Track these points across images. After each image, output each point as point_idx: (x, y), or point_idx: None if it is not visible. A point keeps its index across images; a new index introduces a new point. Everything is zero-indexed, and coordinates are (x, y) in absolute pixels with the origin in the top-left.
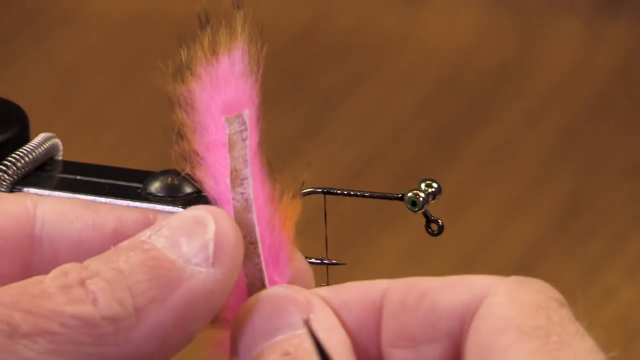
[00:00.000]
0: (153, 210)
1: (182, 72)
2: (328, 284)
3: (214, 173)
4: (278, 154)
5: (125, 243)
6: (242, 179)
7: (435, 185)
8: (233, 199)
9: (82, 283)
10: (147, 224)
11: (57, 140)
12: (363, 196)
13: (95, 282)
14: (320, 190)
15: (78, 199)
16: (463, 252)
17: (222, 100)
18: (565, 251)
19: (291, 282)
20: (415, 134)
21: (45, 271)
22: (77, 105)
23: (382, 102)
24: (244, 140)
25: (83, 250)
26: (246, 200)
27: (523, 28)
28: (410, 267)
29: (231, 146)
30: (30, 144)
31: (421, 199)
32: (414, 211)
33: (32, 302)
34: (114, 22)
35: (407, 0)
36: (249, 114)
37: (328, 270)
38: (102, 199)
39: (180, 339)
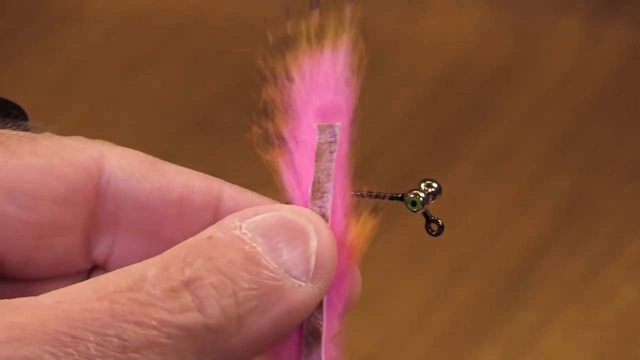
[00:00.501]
0: (217, 180)
1: (281, 49)
2: None
3: (299, 172)
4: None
5: (219, 234)
6: (322, 192)
7: (435, 185)
8: (311, 209)
9: (187, 285)
10: (213, 195)
11: None
12: (363, 196)
13: (203, 288)
14: None
15: (145, 154)
16: (463, 252)
17: (319, 104)
18: (565, 251)
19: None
20: (415, 134)
21: (105, 224)
22: (77, 104)
23: (381, 101)
24: (331, 152)
25: (146, 211)
26: (323, 215)
27: (523, 28)
28: (410, 267)
29: (318, 156)
30: None
31: (421, 199)
32: (414, 211)
33: (141, 312)
34: (114, 21)
35: (406, 0)
36: (340, 126)
37: None
38: None
39: (267, 348)
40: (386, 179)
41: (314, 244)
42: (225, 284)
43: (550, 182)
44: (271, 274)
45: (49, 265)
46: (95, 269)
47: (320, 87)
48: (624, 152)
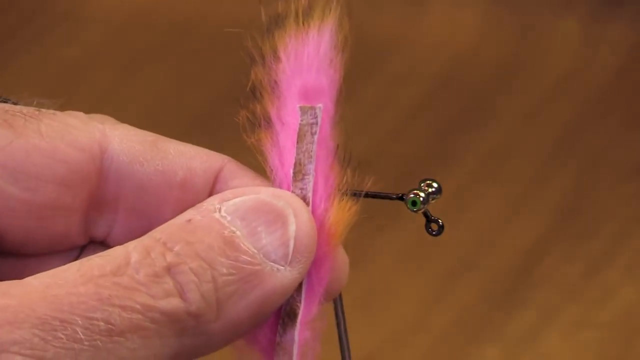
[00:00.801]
0: (221, 156)
1: (271, 29)
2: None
3: (282, 153)
4: None
5: (198, 217)
6: (304, 174)
7: (435, 185)
8: (292, 191)
9: (169, 271)
10: (214, 175)
11: None
12: (363, 196)
13: (183, 273)
14: None
15: (146, 133)
16: (463, 252)
17: (302, 85)
18: (565, 251)
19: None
20: (415, 134)
21: (106, 205)
22: (77, 104)
23: (381, 101)
24: (313, 134)
25: (148, 194)
26: (304, 197)
27: (522, 28)
28: (410, 267)
29: (300, 137)
30: None
31: (421, 199)
32: (414, 211)
33: (126, 297)
34: (114, 21)
35: (406, 0)
36: (322, 108)
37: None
38: None
39: (246, 332)
40: (386, 179)
41: (292, 228)
42: (204, 270)
43: (550, 182)
44: (250, 259)
45: (47, 242)
46: (90, 244)
47: (304, 67)
48: (624, 152)
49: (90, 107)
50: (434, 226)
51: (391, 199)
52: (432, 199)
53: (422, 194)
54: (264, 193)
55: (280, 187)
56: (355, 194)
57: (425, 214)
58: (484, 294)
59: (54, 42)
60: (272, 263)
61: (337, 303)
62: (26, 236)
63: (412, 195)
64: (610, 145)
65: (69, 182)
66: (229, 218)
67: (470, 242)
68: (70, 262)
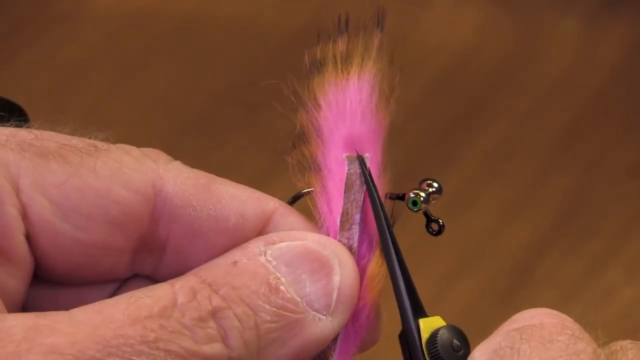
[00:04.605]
0: (273, 200)
1: (311, 75)
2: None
3: (331, 199)
4: (278, 154)
5: (244, 260)
6: (351, 224)
7: (435, 185)
8: (339, 240)
9: (213, 315)
10: (265, 219)
11: None
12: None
13: (228, 319)
14: None
15: (200, 174)
16: (463, 251)
17: (345, 133)
18: (565, 251)
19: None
20: (414, 134)
21: (155, 245)
22: (77, 104)
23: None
24: (361, 184)
25: (198, 237)
26: (350, 247)
27: (523, 27)
28: (410, 266)
29: (347, 187)
30: None
31: (422, 198)
32: (415, 211)
33: (171, 340)
34: (114, 21)
35: (406, 0)
36: (369, 157)
37: None
38: None
39: None
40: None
41: (337, 278)
42: (248, 316)
43: (550, 182)
44: (293, 307)
45: (92, 277)
46: (134, 277)
47: (346, 115)
48: (624, 152)
49: (90, 107)
50: (434, 226)
51: (391, 198)
52: (433, 199)
53: (422, 194)
54: (310, 240)
55: (327, 234)
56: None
57: (426, 214)
58: (483, 293)
59: (54, 42)
60: (314, 312)
61: None
62: (73, 270)
63: (412, 195)
64: (610, 145)
65: (121, 224)
66: (274, 263)
67: (471, 242)
68: (110, 292)
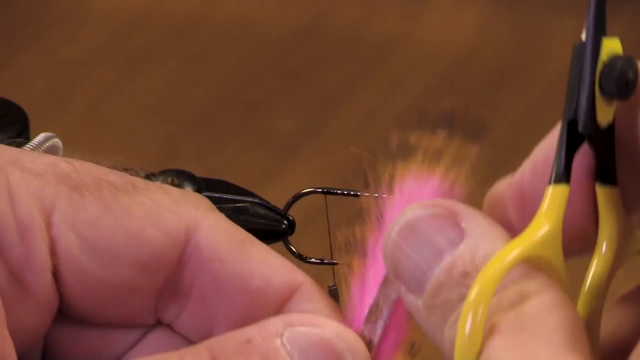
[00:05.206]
0: (302, 275)
1: (395, 157)
2: (335, 284)
3: (365, 287)
4: (278, 154)
5: (259, 339)
6: (377, 318)
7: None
8: (361, 330)
9: None
10: (289, 292)
11: (57, 140)
12: (363, 196)
13: None
14: (320, 190)
15: (237, 231)
16: None
17: None
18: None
19: None
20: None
21: (180, 291)
22: (77, 104)
23: (382, 101)
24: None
25: (221, 292)
26: (370, 341)
27: (523, 27)
28: None
29: (386, 281)
30: (30, 143)
31: None
32: None
33: None
34: (114, 21)
35: (406, 0)
36: None
37: (334, 270)
38: None
39: None
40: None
41: None
42: None
43: None
44: None
45: (115, 318)
46: (158, 325)
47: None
48: None
49: (90, 107)
50: None
51: None
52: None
53: None
54: (329, 329)
55: (351, 321)
56: (356, 195)
57: None
58: None
59: (54, 42)
60: None
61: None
62: (98, 309)
63: None
64: None
65: (149, 267)
66: (288, 347)
67: None
68: (135, 339)
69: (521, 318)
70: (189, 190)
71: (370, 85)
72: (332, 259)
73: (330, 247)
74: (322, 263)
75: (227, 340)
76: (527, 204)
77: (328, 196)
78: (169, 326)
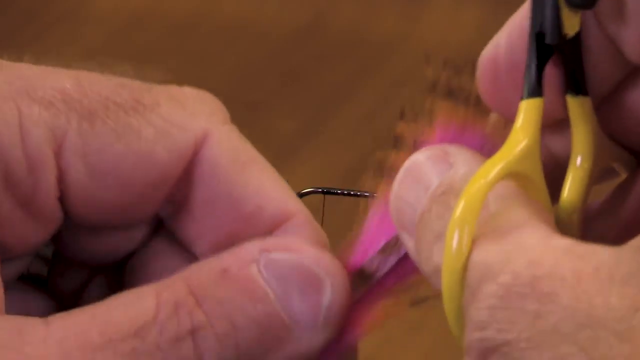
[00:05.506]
0: (298, 204)
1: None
2: None
3: (384, 220)
4: (278, 154)
5: (234, 269)
6: (391, 253)
7: None
8: (371, 258)
9: (192, 334)
10: (282, 219)
11: None
12: (363, 196)
13: (206, 339)
14: (320, 190)
15: (244, 150)
16: None
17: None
18: None
19: None
20: None
21: (179, 198)
22: None
23: (382, 101)
24: None
25: (214, 211)
26: (373, 272)
27: None
28: None
29: None
30: None
31: None
32: None
33: None
34: (114, 21)
35: (406, 0)
36: None
37: None
38: None
39: None
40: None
41: (327, 298)
42: (228, 336)
43: None
44: (278, 324)
45: (121, 223)
46: (161, 231)
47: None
48: None
49: None
50: None
51: None
52: None
53: None
54: (306, 255)
55: (360, 249)
56: (356, 195)
57: None
58: None
59: (54, 42)
60: (300, 330)
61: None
62: (103, 222)
63: None
64: None
65: (158, 184)
66: (265, 274)
67: None
68: (137, 238)
69: (502, 229)
70: (204, 94)
71: (370, 85)
72: None
73: (330, 247)
74: None
75: (203, 272)
76: (501, 78)
77: (327, 196)
78: (171, 233)
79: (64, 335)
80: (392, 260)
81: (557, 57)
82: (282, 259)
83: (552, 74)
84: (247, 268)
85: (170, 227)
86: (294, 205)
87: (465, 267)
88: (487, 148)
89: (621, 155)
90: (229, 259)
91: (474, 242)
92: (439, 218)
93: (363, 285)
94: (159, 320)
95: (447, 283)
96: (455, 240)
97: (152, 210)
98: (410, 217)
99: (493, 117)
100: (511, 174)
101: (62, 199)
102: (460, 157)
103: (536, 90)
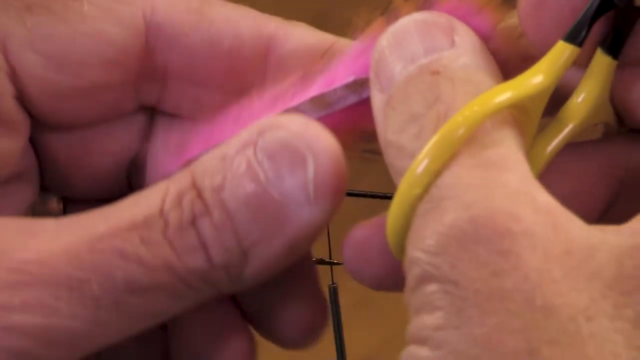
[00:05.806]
0: (273, 21)
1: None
2: (334, 283)
3: (356, 63)
4: None
5: (232, 153)
6: (351, 92)
7: None
8: (334, 89)
9: (193, 224)
10: (263, 42)
11: None
12: (363, 196)
13: (206, 227)
14: None
15: (192, 1)
16: None
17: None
18: None
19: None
20: None
21: (155, 75)
22: None
23: None
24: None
25: (195, 63)
26: (329, 104)
27: None
28: None
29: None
30: None
31: None
32: None
33: (151, 253)
34: None
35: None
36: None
37: (332, 270)
38: None
39: (283, 267)
40: (386, 178)
41: (310, 169)
42: (225, 223)
43: None
44: (272, 205)
45: (99, 115)
46: (146, 108)
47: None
48: None
49: None
50: None
51: (391, 198)
52: None
53: None
54: (289, 130)
55: (331, 75)
56: (356, 195)
57: None
58: None
59: None
60: (295, 205)
61: (332, 303)
62: (77, 114)
63: None
64: None
65: (117, 62)
66: (259, 156)
67: None
68: (121, 130)
69: (489, 163)
70: None
71: None
72: (331, 259)
73: (330, 247)
74: (322, 263)
75: (207, 159)
76: (548, 4)
77: None
78: (153, 107)
79: (71, 229)
80: (351, 99)
81: (613, 16)
82: (274, 138)
83: (597, 25)
84: (243, 151)
85: (164, 109)
86: (270, 22)
87: (434, 175)
88: (490, 43)
89: (610, 117)
90: (230, 145)
91: (452, 160)
92: (421, 98)
93: (320, 111)
94: (165, 211)
95: (401, 199)
96: (423, 165)
97: (129, 94)
98: (389, 74)
99: (513, 19)
100: (516, 105)
101: (23, 98)
102: (467, 41)
103: (579, 39)
